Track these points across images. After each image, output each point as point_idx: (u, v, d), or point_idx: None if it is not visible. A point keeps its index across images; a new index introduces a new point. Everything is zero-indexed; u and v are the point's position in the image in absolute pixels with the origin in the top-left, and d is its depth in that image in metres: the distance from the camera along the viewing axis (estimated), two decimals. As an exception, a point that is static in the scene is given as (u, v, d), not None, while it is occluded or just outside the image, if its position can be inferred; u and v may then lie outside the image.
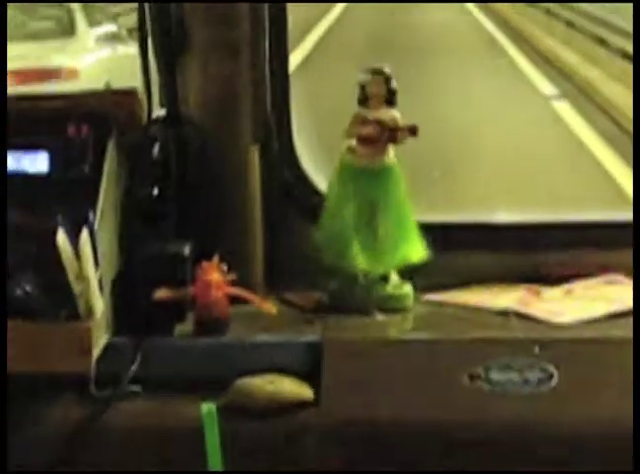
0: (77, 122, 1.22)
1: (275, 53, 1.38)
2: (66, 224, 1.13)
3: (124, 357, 1.18)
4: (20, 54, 6.78)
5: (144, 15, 1.37)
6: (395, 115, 1.29)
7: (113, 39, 7.69)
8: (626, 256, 1.42)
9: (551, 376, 1.20)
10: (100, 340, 1.17)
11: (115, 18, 7.81)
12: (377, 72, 1.30)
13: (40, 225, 1.15)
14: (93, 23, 7.99)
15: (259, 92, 1.36)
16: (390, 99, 1.29)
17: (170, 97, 1.33)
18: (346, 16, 17.04)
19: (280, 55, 1.42)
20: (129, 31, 7.67)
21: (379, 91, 1.29)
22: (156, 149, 1.27)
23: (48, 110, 1.29)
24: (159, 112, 1.33)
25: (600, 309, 1.31)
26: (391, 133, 1.26)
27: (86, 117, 1.23)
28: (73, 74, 7.05)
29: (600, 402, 1.20)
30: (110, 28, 7.86)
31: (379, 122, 1.27)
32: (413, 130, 1.27)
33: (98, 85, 6.50)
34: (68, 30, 7.61)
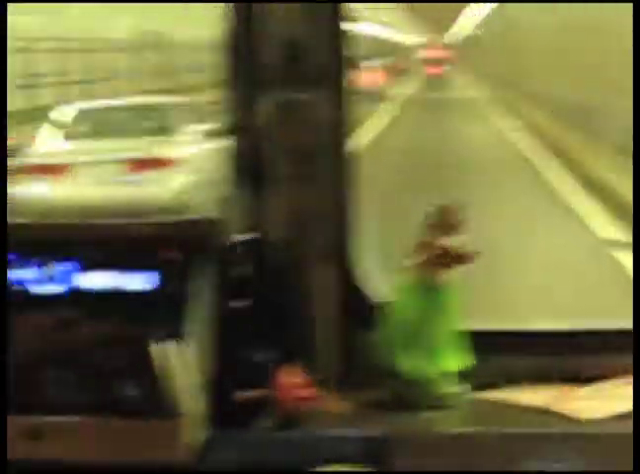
0: (167, 247, 1.36)
1: (345, 183, 1.50)
2: (160, 335, 1.27)
3: (217, 451, 1.30)
4: (135, 147, 8.68)
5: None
6: (458, 243, 1.41)
7: (210, 134, 8.76)
8: None
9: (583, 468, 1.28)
10: (193, 435, 1.27)
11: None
12: (445, 208, 1.42)
13: (139, 336, 1.29)
14: (195, 121, 9.49)
15: (332, 218, 1.50)
16: (454, 227, 1.40)
17: (255, 224, 1.47)
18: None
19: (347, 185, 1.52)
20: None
21: (445, 221, 1.41)
22: (238, 268, 1.41)
23: (142, 236, 1.44)
24: (239, 234, 1.46)
25: (627, 406, 1.40)
26: (452, 259, 1.39)
27: (176, 241, 1.37)
28: (176, 163, 8.59)
29: None
30: (207, 126, 9.12)
31: (443, 249, 1.40)
32: (470, 257, 1.39)
33: (195, 172, 8.81)
34: (171, 128, 9.16)
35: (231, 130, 1.44)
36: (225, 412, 1.35)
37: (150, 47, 23.10)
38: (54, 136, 9.48)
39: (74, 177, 8.60)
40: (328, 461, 1.30)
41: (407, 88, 28.71)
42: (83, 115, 9.76)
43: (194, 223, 1.51)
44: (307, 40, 1.41)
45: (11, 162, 8.86)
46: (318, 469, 1.29)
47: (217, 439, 1.31)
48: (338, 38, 1.44)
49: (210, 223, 1.46)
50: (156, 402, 1.28)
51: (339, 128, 1.47)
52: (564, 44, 16.94)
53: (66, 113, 9.83)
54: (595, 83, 14.84)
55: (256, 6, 1.41)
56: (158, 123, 9.48)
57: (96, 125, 9.73)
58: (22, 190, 8.30)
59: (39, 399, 1.30)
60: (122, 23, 22.01)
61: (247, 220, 1.50)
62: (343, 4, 1.45)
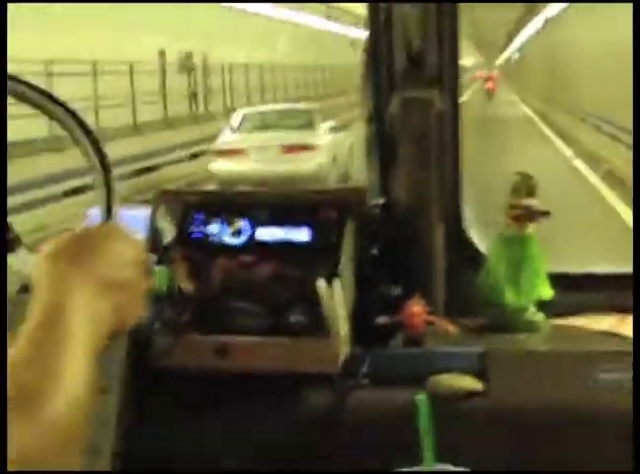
0: (326, 209, 1.63)
1: (450, 160, 1.78)
2: (322, 275, 1.50)
3: (359, 362, 1.56)
4: (288, 137, 12.45)
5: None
6: (535, 203, 1.66)
7: (335, 129, 13.47)
8: None
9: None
10: (343, 351, 1.53)
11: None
12: (526, 175, 1.68)
13: (303, 275, 1.55)
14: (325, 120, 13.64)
15: (443, 189, 1.76)
16: (532, 191, 1.66)
17: (385, 192, 1.76)
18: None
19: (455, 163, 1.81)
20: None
21: (526, 186, 1.66)
22: (376, 225, 1.69)
23: (307, 200, 1.73)
24: (378, 200, 1.77)
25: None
26: (532, 215, 1.64)
27: (331, 204, 1.63)
28: (316, 148, 12.31)
29: None
30: (332, 123, 13.77)
31: (527, 207, 1.65)
32: (546, 213, 1.65)
33: (327, 154, 12.69)
34: (312, 125, 13.01)
35: (369, 120, 1.68)
36: (365, 333, 1.60)
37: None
38: (233, 129, 13.51)
39: (247, 158, 12.38)
40: (441, 371, 1.55)
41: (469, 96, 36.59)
42: (247, 117, 13.86)
43: (344, 191, 1.76)
44: (426, 48, 1.62)
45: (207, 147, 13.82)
46: (435, 377, 1.52)
47: (359, 355, 1.56)
48: (450, 46, 1.65)
49: (356, 191, 1.72)
50: (316, 325, 1.52)
51: (447, 119, 1.68)
52: (601, 67, 17.59)
53: (235, 116, 14.01)
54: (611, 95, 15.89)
55: (386, 19, 1.61)
56: (301, 121, 13.33)
57: (256, 123, 13.63)
58: (215, 165, 12.46)
59: (225, 323, 1.57)
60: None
61: (380, 189, 1.76)
62: (455, 17, 1.65)
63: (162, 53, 19.45)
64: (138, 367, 1.60)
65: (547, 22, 31.18)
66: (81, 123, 1.24)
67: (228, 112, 17.95)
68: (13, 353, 0.90)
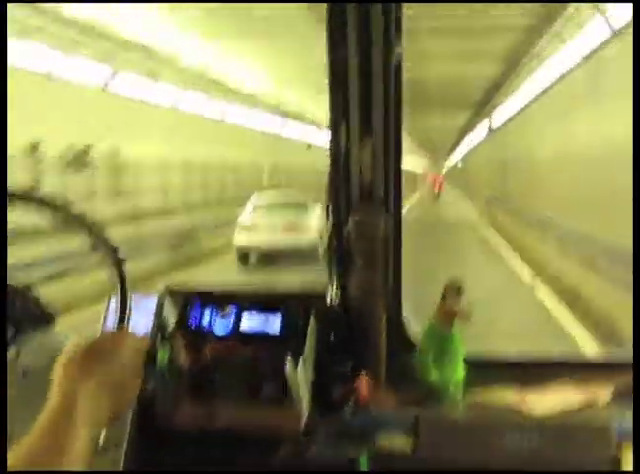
0: (294, 306, 1.84)
1: (393, 268, 1.96)
2: (288, 358, 1.71)
3: (317, 425, 1.77)
4: (288, 217, 16.03)
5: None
6: (462, 306, 1.85)
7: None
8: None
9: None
10: (304, 416, 1.74)
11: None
12: (455, 279, 1.87)
13: (277, 359, 1.73)
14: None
15: (387, 291, 1.95)
16: (461, 292, 1.85)
17: (342, 290, 1.94)
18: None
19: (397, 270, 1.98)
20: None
21: (456, 288, 1.86)
22: (333, 318, 1.89)
23: (279, 298, 1.90)
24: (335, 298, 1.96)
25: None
26: (458, 314, 1.84)
27: (299, 302, 1.85)
28: (307, 227, 15.82)
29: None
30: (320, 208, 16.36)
31: (452, 311, 1.84)
32: (469, 317, 1.85)
33: (316, 233, 15.42)
34: (306, 209, 16.25)
35: (330, 235, 1.91)
36: (323, 402, 1.82)
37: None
38: (248, 212, 16.61)
39: (260, 232, 15.78)
40: (380, 431, 1.78)
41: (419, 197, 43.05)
42: (262, 201, 17.15)
43: (309, 291, 1.96)
44: (376, 184, 1.85)
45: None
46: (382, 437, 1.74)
47: (317, 419, 1.78)
48: (395, 180, 1.88)
49: (318, 291, 1.94)
50: (283, 397, 1.74)
51: (391, 238, 1.90)
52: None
53: (253, 200, 17.38)
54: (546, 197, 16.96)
55: (344, 161, 1.85)
56: (302, 205, 16.40)
57: (268, 207, 16.75)
58: (238, 240, 15.90)
59: (215, 394, 1.78)
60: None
61: (337, 288, 1.97)
62: (399, 160, 1.87)
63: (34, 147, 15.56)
64: (141, 430, 1.76)
65: (491, 131, 32.76)
66: (95, 227, 1.46)
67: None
68: (27, 440, 1.07)
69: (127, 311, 1.48)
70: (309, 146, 32.42)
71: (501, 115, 27.43)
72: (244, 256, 16.07)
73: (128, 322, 1.48)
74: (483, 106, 32.96)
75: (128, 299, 1.47)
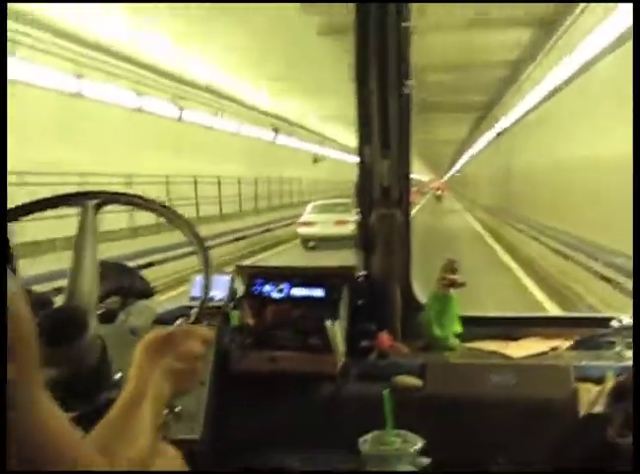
0: (333, 278, 2.09)
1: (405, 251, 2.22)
2: (330, 317, 1.96)
3: (349, 368, 2.00)
4: (337, 215, 21.08)
5: None
6: (457, 277, 2.11)
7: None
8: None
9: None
10: (340, 360, 1.96)
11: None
12: (451, 259, 2.11)
13: (320, 317, 1.98)
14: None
15: (400, 268, 2.21)
16: (455, 269, 2.11)
17: (366, 268, 2.18)
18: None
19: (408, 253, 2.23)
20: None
21: (451, 266, 2.12)
22: (361, 287, 2.15)
23: (322, 272, 2.14)
24: (362, 272, 2.21)
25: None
26: (453, 284, 2.11)
27: (336, 275, 2.10)
28: (349, 221, 18.33)
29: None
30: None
31: (450, 279, 2.10)
32: (463, 284, 2.10)
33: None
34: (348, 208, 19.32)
35: (358, 225, 2.19)
36: (354, 351, 2.05)
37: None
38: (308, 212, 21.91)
39: (317, 226, 20.92)
40: (398, 373, 1.96)
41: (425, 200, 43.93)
42: (318, 205, 22.58)
43: (343, 268, 2.18)
44: (391, 185, 2.12)
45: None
46: (397, 377, 1.89)
47: (350, 363, 2.02)
48: (404, 184, 2.16)
49: (350, 268, 2.17)
50: (325, 345, 1.97)
51: (403, 228, 2.16)
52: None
53: (310, 205, 22.69)
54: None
55: (368, 168, 2.12)
56: (345, 207, 20.23)
57: (322, 209, 22.04)
58: (301, 231, 21.46)
59: (273, 344, 2.02)
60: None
61: (363, 266, 2.23)
62: (408, 166, 2.12)
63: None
64: (220, 372, 1.93)
65: (486, 146, 33.69)
66: (189, 225, 1.69)
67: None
68: (109, 415, 1.16)
69: (209, 287, 1.65)
70: (315, 160, 37.46)
71: (495, 127, 28.03)
72: (305, 241, 22.06)
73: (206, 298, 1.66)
74: (481, 120, 33.82)
75: (211, 278, 1.66)
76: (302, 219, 22.88)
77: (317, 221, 22.19)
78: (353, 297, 2.10)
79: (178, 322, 1.62)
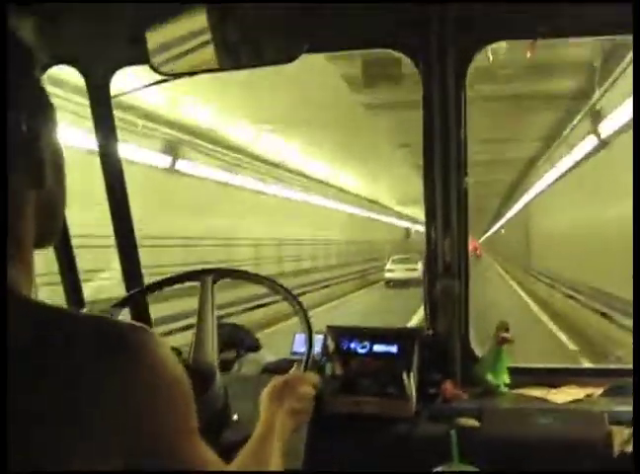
0: (405, 337, 2.24)
1: (464, 311, 2.41)
2: (404, 369, 2.12)
3: (421, 410, 2.12)
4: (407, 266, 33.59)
5: None
6: (508, 335, 2.26)
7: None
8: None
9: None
10: (413, 405, 2.09)
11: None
12: (504, 321, 2.26)
13: (396, 369, 2.12)
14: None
15: (460, 327, 2.32)
16: (507, 328, 2.25)
17: (433, 327, 2.35)
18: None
19: (466, 312, 2.40)
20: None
21: (504, 326, 2.27)
22: (428, 344, 2.26)
23: (396, 332, 2.29)
24: (429, 332, 2.36)
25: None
26: (504, 341, 2.24)
27: (408, 334, 2.25)
28: (417, 269, 30.94)
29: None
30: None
31: (502, 337, 2.24)
32: (512, 341, 2.24)
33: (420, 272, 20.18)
34: (416, 262, 31.40)
35: (425, 290, 2.38)
36: (424, 397, 2.19)
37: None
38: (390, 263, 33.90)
39: (395, 272, 34.10)
40: (461, 415, 2.09)
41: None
42: (395, 259, 33.96)
43: (414, 328, 2.41)
44: (452, 261, 2.33)
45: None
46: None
47: (421, 407, 2.15)
48: (464, 258, 2.36)
49: (419, 328, 2.36)
50: (401, 392, 2.11)
51: (462, 293, 2.33)
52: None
53: (390, 259, 33.91)
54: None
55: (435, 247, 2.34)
56: (411, 260, 33.31)
57: (397, 261, 33.58)
58: (386, 275, 34.21)
59: (358, 391, 2.16)
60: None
61: (430, 325, 2.35)
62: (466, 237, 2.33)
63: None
64: (316, 412, 1.82)
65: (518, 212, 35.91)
66: (292, 295, 1.95)
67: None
68: (245, 448, 1.25)
69: (313, 344, 1.86)
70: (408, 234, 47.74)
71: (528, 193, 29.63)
72: (388, 282, 33.09)
73: (310, 353, 1.86)
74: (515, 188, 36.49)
75: (313, 337, 1.87)
76: (386, 268, 34.29)
77: (395, 269, 33.94)
78: (422, 352, 2.25)
79: (292, 370, 1.82)
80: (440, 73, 2.17)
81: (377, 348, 2.29)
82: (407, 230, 54.14)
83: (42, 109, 0.91)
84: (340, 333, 2.36)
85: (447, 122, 2.19)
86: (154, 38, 1.97)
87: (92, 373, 0.79)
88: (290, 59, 2.01)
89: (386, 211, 44.84)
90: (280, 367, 2.32)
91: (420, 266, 30.06)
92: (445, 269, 2.35)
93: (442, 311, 2.35)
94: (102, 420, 0.79)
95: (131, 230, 2.60)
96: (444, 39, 2.12)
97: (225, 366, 2.18)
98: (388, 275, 33.94)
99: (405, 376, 2.14)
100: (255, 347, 2.44)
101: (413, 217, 50.27)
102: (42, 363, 0.78)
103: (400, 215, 48.87)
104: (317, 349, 2.28)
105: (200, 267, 2.05)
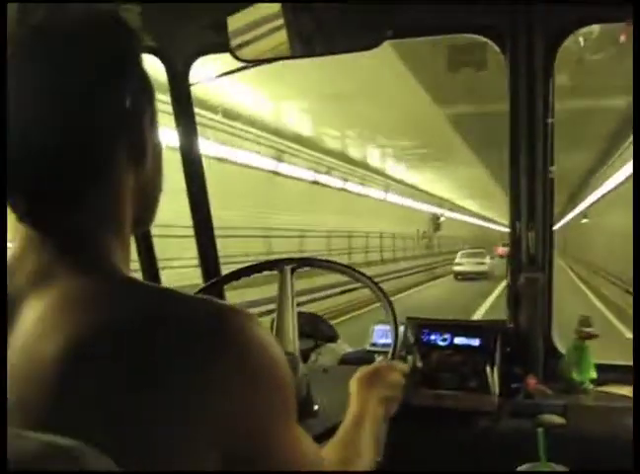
0: (487, 329, 2.17)
1: (547, 307, 2.31)
2: (487, 363, 2.08)
3: (503, 406, 2.03)
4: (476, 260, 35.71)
5: None
6: (591, 329, 2.16)
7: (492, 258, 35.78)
8: None
9: None
10: (495, 399, 2.03)
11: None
12: (586, 316, 2.17)
13: (478, 362, 2.08)
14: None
15: (543, 322, 2.24)
16: (589, 323, 2.14)
17: (514, 320, 2.27)
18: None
19: (549, 309, 2.37)
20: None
21: (585, 322, 2.17)
22: (509, 337, 2.19)
23: (478, 325, 2.28)
24: (510, 324, 2.28)
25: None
26: (588, 336, 2.14)
27: (490, 327, 2.19)
28: (486, 263, 35.48)
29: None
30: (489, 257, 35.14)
31: (586, 332, 2.15)
32: (597, 336, 2.14)
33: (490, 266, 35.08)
34: (484, 256, 35.78)
35: (508, 287, 2.30)
36: (506, 391, 2.10)
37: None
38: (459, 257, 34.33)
39: (464, 265, 33.97)
40: (544, 412, 1.99)
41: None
42: (464, 252, 34.50)
43: (496, 321, 2.26)
44: (536, 253, 2.23)
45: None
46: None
47: (503, 402, 2.07)
48: (549, 251, 2.31)
49: (501, 321, 2.27)
50: (484, 386, 2.07)
51: (546, 288, 2.25)
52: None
53: (460, 252, 34.80)
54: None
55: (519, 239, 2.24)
56: (480, 254, 34.58)
57: (466, 255, 34.63)
58: (455, 268, 34.77)
59: (439, 384, 2.09)
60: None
61: (511, 319, 2.26)
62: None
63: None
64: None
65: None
66: (374, 284, 1.89)
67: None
68: (338, 434, 1.25)
69: (399, 335, 1.83)
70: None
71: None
72: (456, 275, 32.99)
73: (397, 342, 1.81)
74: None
75: (398, 327, 1.84)
76: (455, 261, 34.12)
77: (464, 262, 33.74)
78: (503, 345, 2.18)
79: (379, 359, 1.82)
80: (528, 59, 2.04)
81: (458, 340, 2.23)
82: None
83: (145, 90, 0.91)
84: (420, 325, 2.30)
85: (535, 111, 2.08)
86: (233, 23, 1.95)
87: (185, 357, 0.76)
88: (373, 46, 1.92)
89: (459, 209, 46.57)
90: (358, 359, 2.28)
91: (488, 260, 34.36)
92: (530, 261, 2.25)
93: (525, 304, 2.25)
94: (203, 408, 0.75)
95: (209, 221, 2.56)
96: (532, 22, 2.00)
97: (303, 356, 2.12)
98: (457, 268, 34.17)
99: (489, 370, 2.07)
100: (333, 337, 2.36)
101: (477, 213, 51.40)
102: (151, 347, 0.76)
103: (471, 213, 50.51)
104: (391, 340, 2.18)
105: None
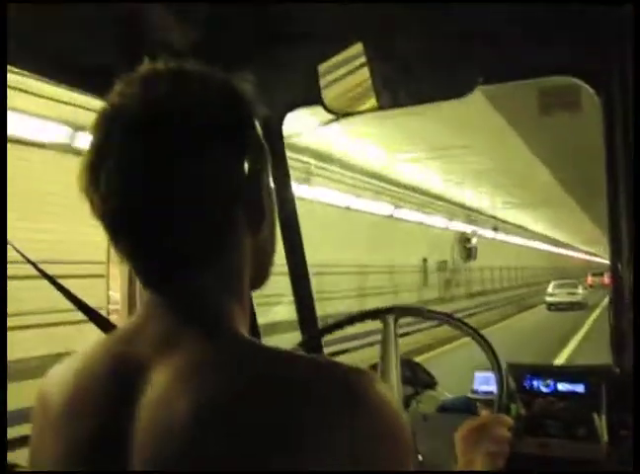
0: (592, 376, 2.11)
1: None
2: (593, 410, 1.99)
3: (612, 453, 1.95)
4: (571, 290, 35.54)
5: None
6: None
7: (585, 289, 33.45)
8: None
9: None
10: (604, 448, 1.93)
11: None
12: None
13: (583, 410, 2.00)
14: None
15: None
16: None
17: (619, 365, 2.08)
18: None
19: None
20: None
21: None
22: (616, 384, 2.06)
23: (582, 370, 2.20)
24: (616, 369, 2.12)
25: None
26: None
27: (595, 373, 2.11)
28: (580, 294, 35.61)
29: None
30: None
31: None
32: None
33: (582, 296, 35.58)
34: (577, 287, 35.49)
35: (612, 327, 2.14)
36: (613, 439, 2.00)
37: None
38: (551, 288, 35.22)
39: (556, 296, 34.71)
40: None
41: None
42: (556, 284, 35.23)
43: (601, 366, 2.16)
44: None
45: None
46: None
47: (611, 450, 1.98)
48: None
49: (607, 366, 2.10)
50: (592, 435, 1.98)
51: None
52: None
53: (552, 283, 35.30)
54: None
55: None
56: (572, 285, 35.14)
57: (558, 286, 35.44)
58: (547, 299, 34.95)
59: (544, 432, 2.03)
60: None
61: (616, 364, 2.13)
62: None
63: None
64: None
65: None
66: (477, 332, 1.85)
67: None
68: None
69: (504, 384, 1.80)
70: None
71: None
72: (549, 306, 32.95)
73: (502, 394, 1.80)
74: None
75: (504, 376, 1.83)
76: (548, 292, 34.34)
77: (556, 293, 33.65)
78: (609, 391, 2.10)
79: (483, 412, 1.71)
80: (623, 100, 1.95)
81: (562, 386, 2.17)
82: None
83: (261, 152, 0.92)
84: (521, 370, 2.24)
85: (631, 153, 1.99)
86: (322, 75, 1.93)
87: (313, 421, 0.74)
88: (463, 93, 1.88)
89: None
90: (458, 406, 2.22)
91: (580, 290, 34.42)
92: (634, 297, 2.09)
93: (629, 347, 2.07)
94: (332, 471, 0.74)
95: (304, 264, 2.59)
96: (626, 61, 1.92)
97: (404, 403, 2.11)
98: (549, 299, 34.27)
99: (597, 418, 2.00)
100: (431, 383, 2.31)
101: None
102: (280, 411, 0.74)
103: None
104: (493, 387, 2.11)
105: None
